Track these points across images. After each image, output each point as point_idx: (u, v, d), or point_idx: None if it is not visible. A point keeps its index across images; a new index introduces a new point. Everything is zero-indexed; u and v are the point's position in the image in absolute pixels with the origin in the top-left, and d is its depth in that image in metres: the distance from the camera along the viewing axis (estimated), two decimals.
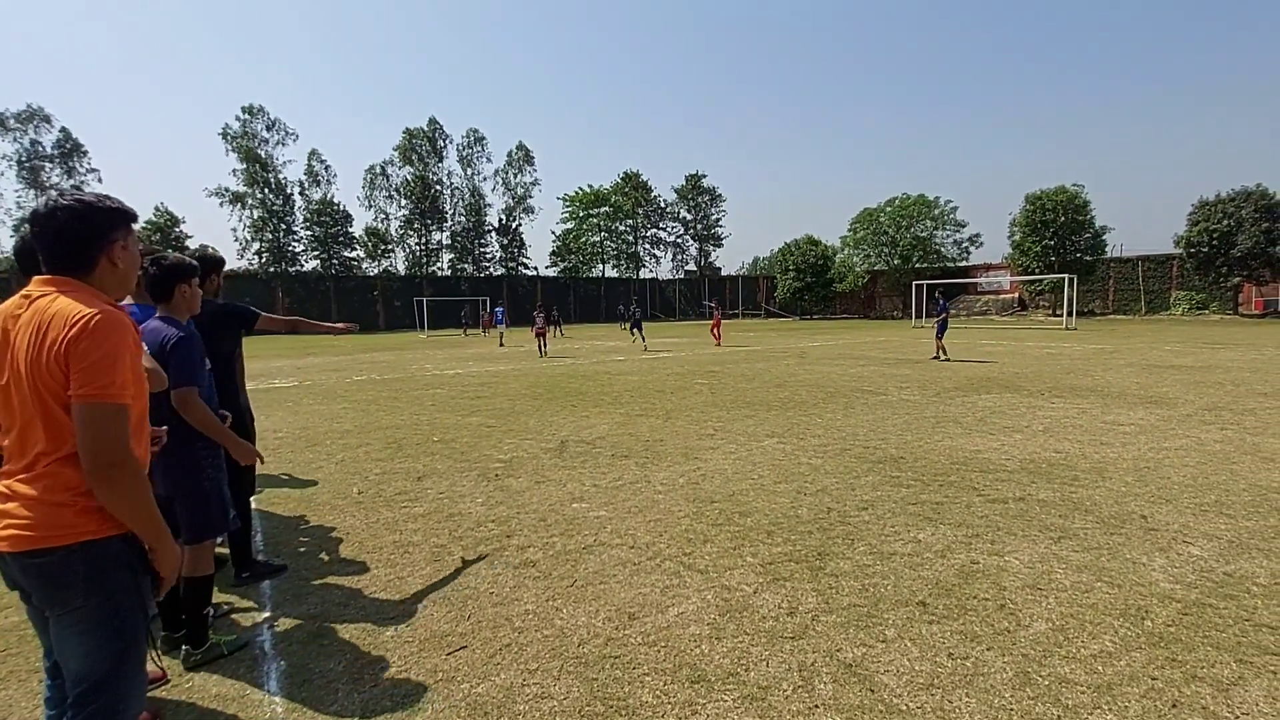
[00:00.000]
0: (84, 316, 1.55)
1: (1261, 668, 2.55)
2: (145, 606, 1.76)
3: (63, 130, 45.64)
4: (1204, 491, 4.79)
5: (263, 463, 3.45)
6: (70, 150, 45.84)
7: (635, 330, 23.19)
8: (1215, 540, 3.86)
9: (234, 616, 3.26)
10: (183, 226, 47.45)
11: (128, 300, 3.65)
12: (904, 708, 2.35)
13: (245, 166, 50.18)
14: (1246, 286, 36.59)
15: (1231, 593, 3.19)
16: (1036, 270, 39.34)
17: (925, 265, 47.48)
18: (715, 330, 23.35)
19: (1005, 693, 2.42)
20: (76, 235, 1.66)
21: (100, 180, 47.24)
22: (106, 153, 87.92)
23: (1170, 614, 2.99)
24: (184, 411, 2.75)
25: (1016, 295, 45.49)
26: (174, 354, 2.72)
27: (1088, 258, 39.68)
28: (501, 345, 25.00)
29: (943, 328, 15.72)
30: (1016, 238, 41.44)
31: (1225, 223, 34.42)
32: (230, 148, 50.05)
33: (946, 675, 2.55)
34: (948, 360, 15.05)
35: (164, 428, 2.34)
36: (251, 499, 3.89)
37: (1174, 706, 2.33)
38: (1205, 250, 35.30)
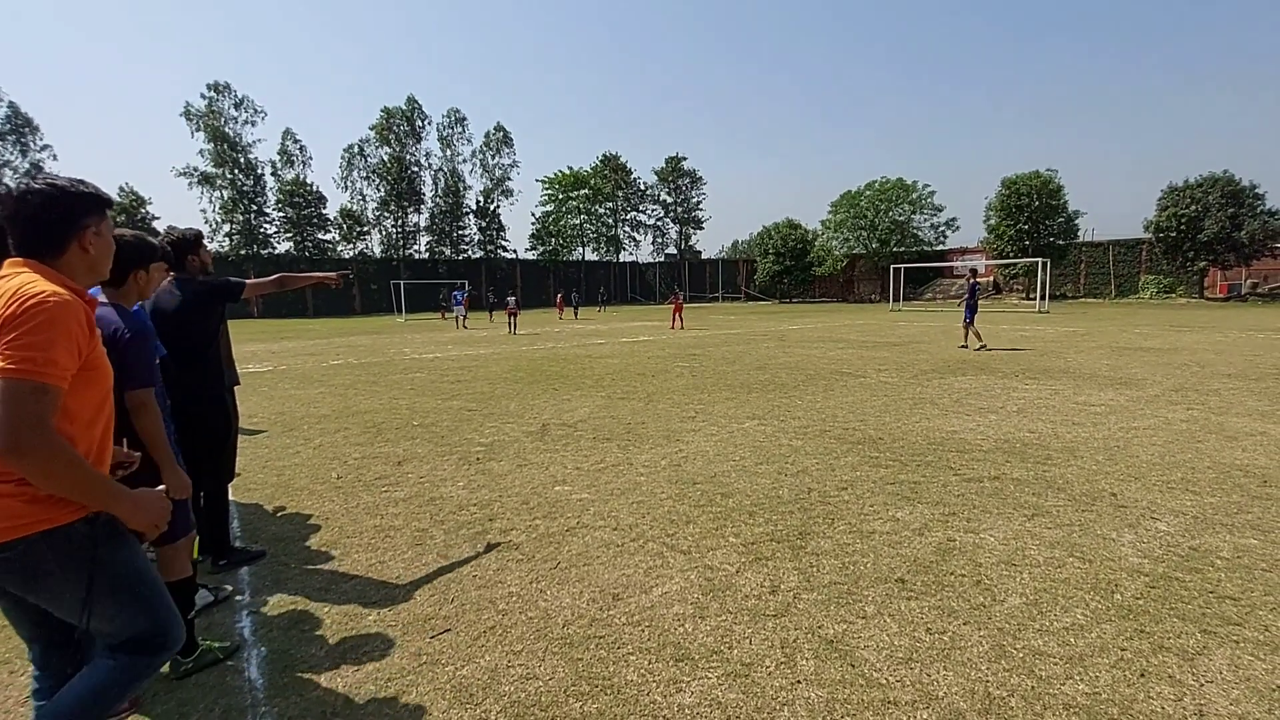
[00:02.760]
0: (31, 293, 1.50)
1: (1225, 637, 2.65)
2: (138, 559, 1.75)
3: (10, 105, 43.86)
4: (1171, 469, 4.93)
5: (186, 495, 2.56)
6: (21, 126, 44.10)
7: (486, 315, 23.23)
8: (1181, 516, 3.98)
9: (209, 589, 3.21)
10: (149, 207, 46.13)
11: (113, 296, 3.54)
12: (884, 681, 2.40)
13: (213, 146, 48.77)
14: (1212, 271, 37.52)
15: (1196, 566, 3.30)
16: (1011, 254, 39.91)
17: (903, 249, 47.92)
18: (677, 314, 23.74)
19: (981, 665, 2.48)
20: (47, 219, 1.64)
21: (55, 158, 45.70)
22: (64, 129, 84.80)
23: (1139, 587, 3.09)
24: (139, 417, 2.35)
25: (991, 279, 46.15)
26: (130, 349, 2.36)
27: (1060, 242, 40.35)
28: (464, 327, 25.69)
29: (972, 311, 13.60)
30: (992, 221, 41.96)
31: (1193, 208, 35.15)
32: (195, 127, 48.61)
33: (925, 649, 2.60)
34: (983, 347, 13.13)
35: (137, 454, 2.08)
36: (229, 486, 3.81)
37: (1142, 676, 2.40)
38: (1173, 235, 36.05)
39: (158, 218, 46.11)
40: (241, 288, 3.66)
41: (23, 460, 1.47)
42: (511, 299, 24.38)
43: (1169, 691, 2.31)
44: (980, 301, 16.26)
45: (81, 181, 1.70)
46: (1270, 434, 5.92)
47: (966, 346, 13.64)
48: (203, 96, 48.58)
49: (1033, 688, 2.34)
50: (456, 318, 27.37)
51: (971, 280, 14.21)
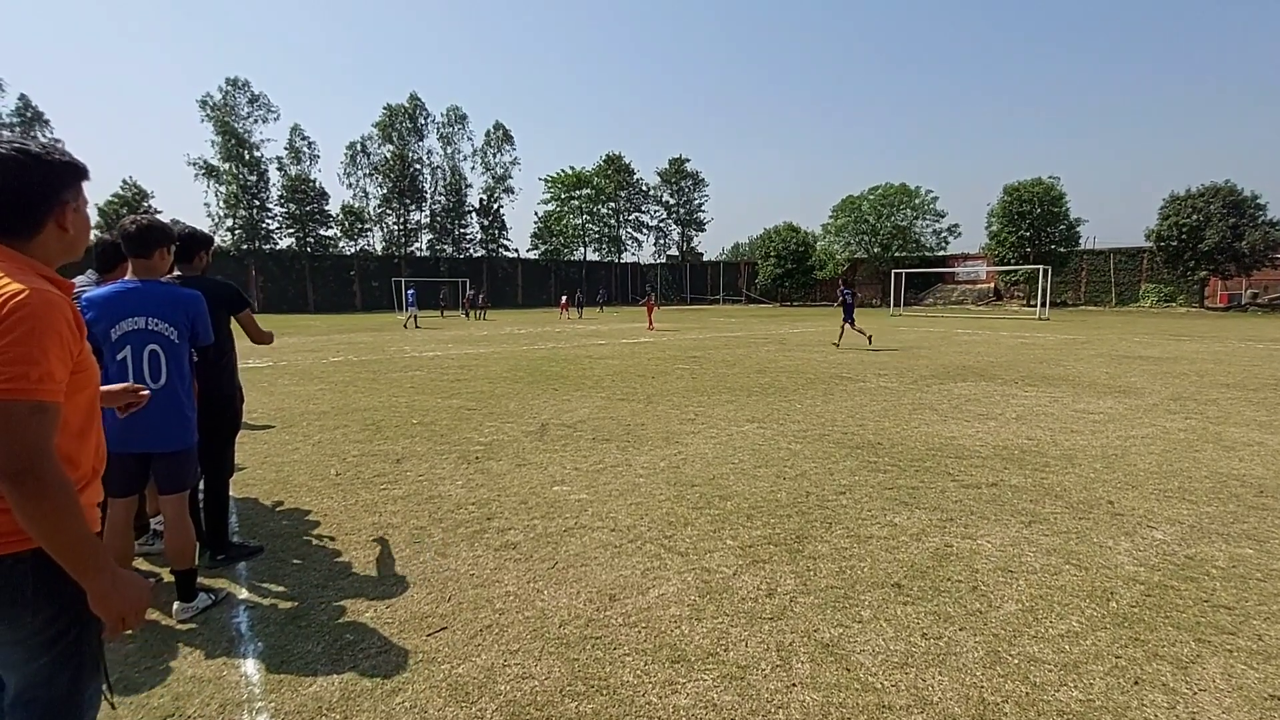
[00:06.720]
0: (10, 292, 1.29)
1: (1219, 646, 2.66)
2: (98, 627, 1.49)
3: (21, 98, 43.96)
4: (1168, 478, 4.94)
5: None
6: (31, 119, 44.17)
7: (471, 311, 24.06)
8: (1178, 525, 3.99)
9: (208, 592, 3.21)
10: (151, 201, 46.18)
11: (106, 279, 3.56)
12: (879, 686, 2.41)
13: (222, 139, 48.98)
14: (1212, 280, 37.52)
15: (1192, 575, 3.31)
16: (1012, 260, 39.94)
17: (905, 254, 47.94)
18: (649, 315, 24.70)
19: (976, 671, 2.49)
20: (21, 193, 1.38)
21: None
22: (68, 122, 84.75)
23: (1134, 595, 3.09)
24: None
25: (992, 285, 46.17)
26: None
27: (1062, 249, 40.41)
28: (417, 326, 25.88)
29: (849, 311, 15.57)
30: (994, 228, 41.99)
31: (1194, 217, 35.13)
32: (206, 116, 48.88)
33: (920, 654, 2.61)
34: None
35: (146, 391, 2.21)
36: (230, 480, 3.82)
37: (1136, 683, 2.41)
38: (1174, 244, 36.05)
39: (160, 211, 46.22)
40: (246, 307, 3.67)
41: (19, 492, 1.27)
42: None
43: (1162, 699, 2.32)
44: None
45: (54, 147, 1.45)
46: (1267, 444, 5.93)
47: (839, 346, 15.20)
48: (220, 89, 48.96)
49: (1027, 694, 2.35)
50: (409, 317, 27.04)
51: (841, 288, 16.46)
